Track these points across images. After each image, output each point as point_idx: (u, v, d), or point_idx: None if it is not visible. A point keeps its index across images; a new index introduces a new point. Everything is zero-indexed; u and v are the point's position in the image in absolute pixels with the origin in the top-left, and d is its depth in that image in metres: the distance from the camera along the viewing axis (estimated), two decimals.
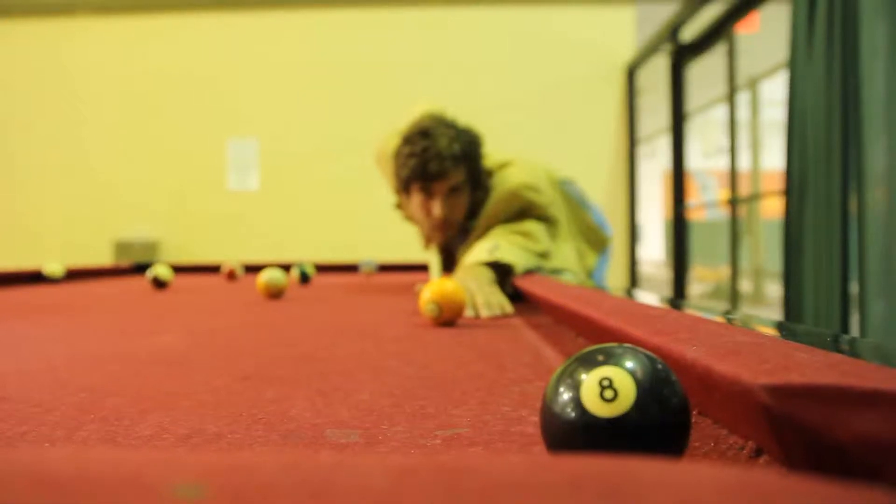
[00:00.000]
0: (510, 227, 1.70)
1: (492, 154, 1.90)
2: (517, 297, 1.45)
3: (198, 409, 0.52)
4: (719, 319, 0.68)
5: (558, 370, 0.36)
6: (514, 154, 1.94)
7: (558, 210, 1.87)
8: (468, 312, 1.16)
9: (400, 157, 1.74)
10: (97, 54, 5.24)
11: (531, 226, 1.70)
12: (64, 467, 0.23)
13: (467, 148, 1.72)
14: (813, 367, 0.39)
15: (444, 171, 1.67)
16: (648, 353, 0.36)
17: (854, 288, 2.25)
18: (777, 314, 3.76)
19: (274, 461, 0.26)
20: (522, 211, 1.76)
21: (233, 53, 5.21)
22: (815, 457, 0.34)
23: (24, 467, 0.24)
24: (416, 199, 1.78)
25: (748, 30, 3.80)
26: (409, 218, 2.04)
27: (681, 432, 0.34)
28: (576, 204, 2.05)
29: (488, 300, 1.21)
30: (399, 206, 2.04)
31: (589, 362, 0.35)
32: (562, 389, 0.34)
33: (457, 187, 1.73)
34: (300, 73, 5.18)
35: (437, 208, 1.73)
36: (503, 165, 1.86)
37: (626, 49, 5.07)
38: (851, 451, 0.32)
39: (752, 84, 8.29)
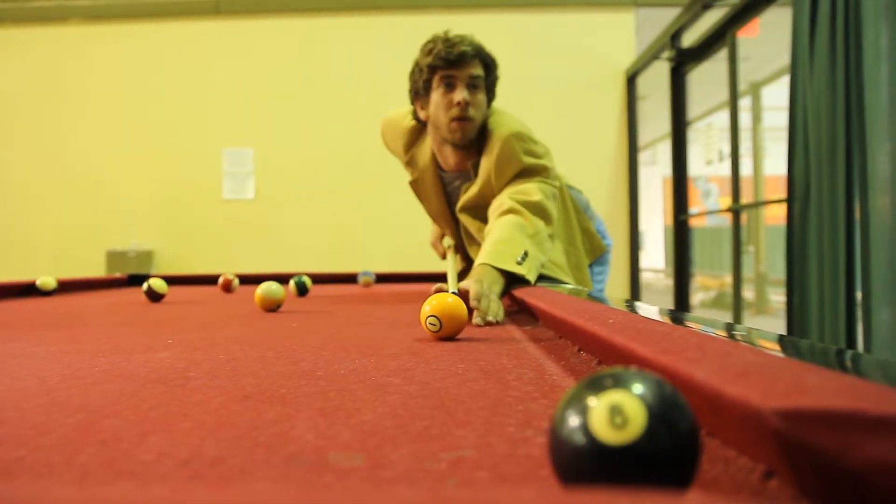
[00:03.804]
0: (522, 194, 1.71)
1: None
2: (516, 307, 1.45)
3: (197, 431, 0.51)
4: (726, 335, 0.67)
5: (566, 395, 0.35)
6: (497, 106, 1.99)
7: (552, 161, 1.92)
8: (476, 320, 1.16)
9: (422, 52, 1.84)
10: (90, 62, 5.24)
11: (542, 198, 1.71)
12: None
13: (486, 51, 1.84)
14: (825, 390, 0.38)
15: (466, 55, 1.77)
16: (657, 376, 0.35)
17: (860, 296, 2.24)
18: (781, 323, 3.75)
19: (280, 500, 0.25)
20: (521, 164, 1.79)
21: (228, 62, 5.22)
22: (828, 482, 0.33)
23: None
24: (437, 93, 1.84)
25: (748, 34, 3.81)
26: (417, 190, 2.09)
27: (692, 458, 0.33)
28: (571, 207, 2.05)
29: (491, 308, 1.20)
30: (413, 182, 2.09)
31: (597, 387, 0.34)
32: (570, 415, 0.33)
33: (476, 82, 1.81)
34: (295, 81, 5.18)
35: (459, 95, 1.79)
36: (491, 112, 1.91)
37: (626, 55, 5.08)
38: (865, 477, 0.32)
39: (755, 89, 8.31)
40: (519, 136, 1.81)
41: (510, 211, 1.67)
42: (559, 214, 1.93)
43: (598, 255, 2.11)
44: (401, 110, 2.03)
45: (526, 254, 1.55)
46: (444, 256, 2.12)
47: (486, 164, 1.81)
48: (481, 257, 1.54)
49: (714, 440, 0.44)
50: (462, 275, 2.08)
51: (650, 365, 0.53)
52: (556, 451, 0.34)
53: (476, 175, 1.87)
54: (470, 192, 1.88)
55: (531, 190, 1.73)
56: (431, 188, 2.04)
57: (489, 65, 1.84)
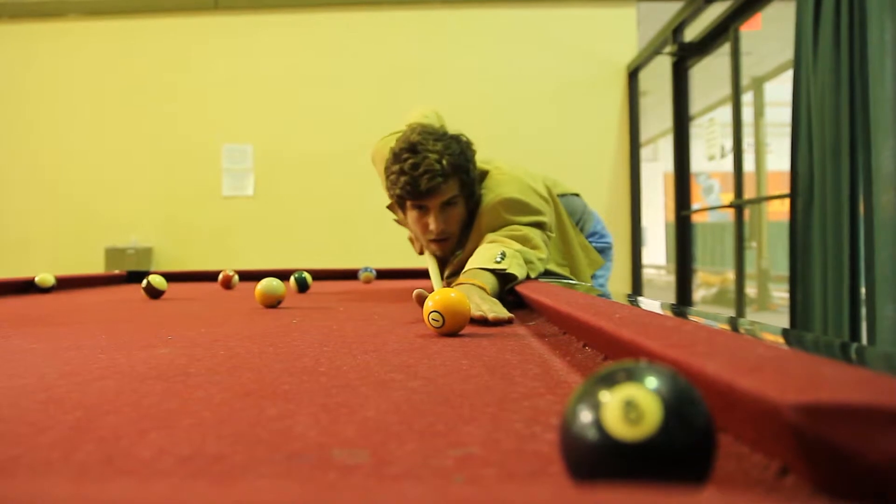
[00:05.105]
0: (508, 230, 1.68)
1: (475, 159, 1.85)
2: (519, 304, 1.44)
3: (198, 428, 0.50)
4: (735, 330, 0.67)
5: (577, 390, 0.34)
6: (493, 158, 1.90)
7: (550, 216, 1.82)
8: (475, 312, 1.14)
9: (390, 174, 1.72)
10: (88, 58, 5.22)
11: (528, 231, 1.68)
12: None
13: (457, 160, 1.68)
14: (842, 383, 0.37)
15: (435, 187, 1.65)
16: (671, 370, 0.34)
17: (864, 292, 2.23)
18: (784, 319, 3.73)
19: (283, 497, 0.24)
20: (512, 222, 1.72)
21: (227, 57, 5.20)
22: (845, 478, 0.32)
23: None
24: (411, 214, 1.77)
25: (750, 28, 3.79)
26: (401, 222, 2.03)
27: (708, 454, 0.32)
28: (568, 223, 2.00)
29: (493, 308, 1.19)
30: (391, 207, 2.02)
31: (610, 381, 0.33)
32: (582, 411, 0.32)
33: (451, 200, 1.71)
34: (295, 76, 5.17)
35: (432, 223, 1.72)
36: (484, 174, 1.82)
37: (628, 50, 5.06)
38: (885, 472, 0.31)
39: (758, 84, 8.30)
40: (507, 202, 1.72)
41: (492, 241, 1.64)
42: (556, 235, 1.90)
43: (597, 268, 2.09)
44: (394, 140, 1.85)
45: (503, 254, 1.52)
46: (421, 252, 2.07)
47: (475, 235, 1.75)
48: (461, 276, 1.51)
49: (726, 435, 0.43)
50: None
51: (659, 359, 0.52)
52: (568, 447, 0.33)
53: (465, 244, 1.80)
54: (457, 260, 1.82)
55: (518, 228, 1.68)
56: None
57: (463, 175, 1.70)
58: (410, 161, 1.65)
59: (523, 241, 1.64)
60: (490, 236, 1.67)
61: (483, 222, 1.73)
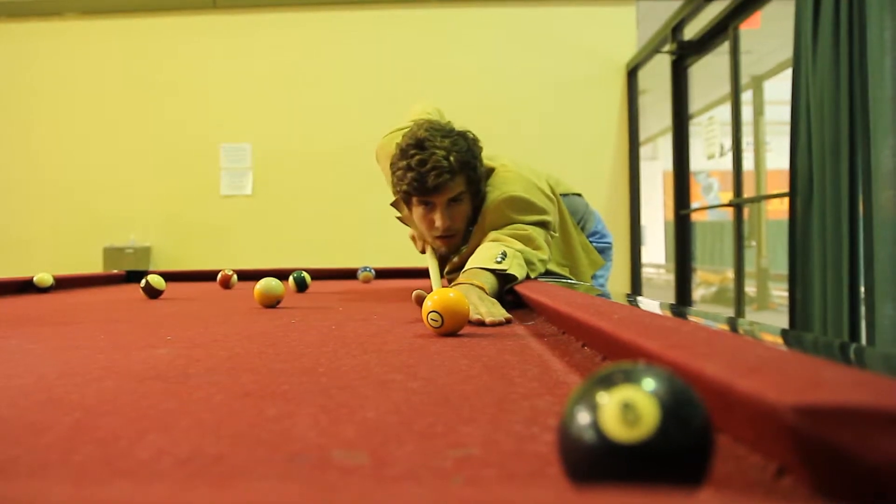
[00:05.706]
0: (512, 229, 1.68)
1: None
2: (518, 304, 1.44)
3: (197, 429, 0.50)
4: (735, 330, 0.67)
5: (575, 392, 0.34)
6: (499, 154, 1.90)
7: (554, 216, 1.83)
8: (473, 315, 1.14)
9: (397, 169, 1.72)
10: (86, 58, 5.21)
11: (532, 231, 1.68)
12: None
13: (465, 157, 1.68)
14: (841, 385, 0.37)
15: (442, 184, 1.65)
16: (668, 371, 0.34)
17: (863, 291, 2.23)
18: (783, 318, 3.73)
19: (283, 499, 0.24)
20: (517, 220, 1.72)
21: (225, 56, 5.19)
22: (844, 480, 0.32)
23: None
24: (417, 210, 1.77)
25: (749, 26, 3.79)
26: (405, 220, 2.03)
27: (706, 456, 0.32)
28: (570, 223, 2.00)
29: (490, 310, 1.19)
30: (395, 204, 2.02)
31: (607, 383, 0.33)
32: (580, 413, 0.32)
33: (457, 197, 1.71)
34: (293, 75, 5.16)
35: (438, 220, 1.72)
36: (490, 171, 1.82)
37: (627, 48, 5.06)
38: (884, 474, 0.31)
39: (757, 83, 8.30)
40: (512, 201, 1.72)
41: (494, 240, 1.64)
42: (559, 236, 1.90)
43: (597, 269, 2.09)
44: (399, 136, 1.85)
45: (504, 254, 1.52)
46: (423, 251, 2.08)
47: (478, 232, 1.75)
48: (461, 276, 1.51)
49: (724, 436, 0.43)
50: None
51: (658, 360, 0.52)
52: (566, 449, 0.33)
53: (467, 242, 1.80)
54: (459, 257, 1.82)
55: (522, 227, 1.68)
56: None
57: (470, 172, 1.70)
58: (418, 157, 1.65)
59: (527, 241, 1.64)
60: (493, 234, 1.67)
61: (487, 220, 1.73)
